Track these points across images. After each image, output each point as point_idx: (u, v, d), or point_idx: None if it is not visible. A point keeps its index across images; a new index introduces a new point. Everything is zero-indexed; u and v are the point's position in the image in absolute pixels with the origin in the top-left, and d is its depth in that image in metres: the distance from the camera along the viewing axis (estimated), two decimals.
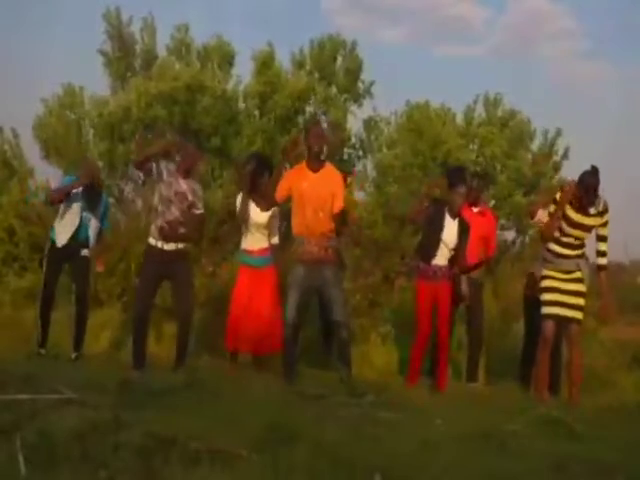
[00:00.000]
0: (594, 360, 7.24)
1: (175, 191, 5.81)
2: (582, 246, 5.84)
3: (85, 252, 6.53)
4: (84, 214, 6.49)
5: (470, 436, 3.64)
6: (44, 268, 6.56)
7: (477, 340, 6.74)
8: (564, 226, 5.74)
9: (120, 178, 12.65)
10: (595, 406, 5.52)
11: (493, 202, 13.23)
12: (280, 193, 5.68)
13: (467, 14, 37.82)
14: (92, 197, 6.54)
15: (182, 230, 5.82)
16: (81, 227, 6.49)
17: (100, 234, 6.71)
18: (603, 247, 5.80)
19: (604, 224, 5.74)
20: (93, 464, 2.79)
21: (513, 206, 12.58)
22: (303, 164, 5.75)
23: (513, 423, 4.00)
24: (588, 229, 5.75)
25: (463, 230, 6.07)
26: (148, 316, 5.91)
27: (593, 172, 5.65)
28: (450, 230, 6.04)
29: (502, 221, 12.40)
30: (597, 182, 5.63)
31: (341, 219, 5.60)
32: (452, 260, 6.09)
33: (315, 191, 5.55)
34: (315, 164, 5.67)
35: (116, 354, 6.94)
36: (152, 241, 5.86)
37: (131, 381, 4.23)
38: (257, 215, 6.11)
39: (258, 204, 6.10)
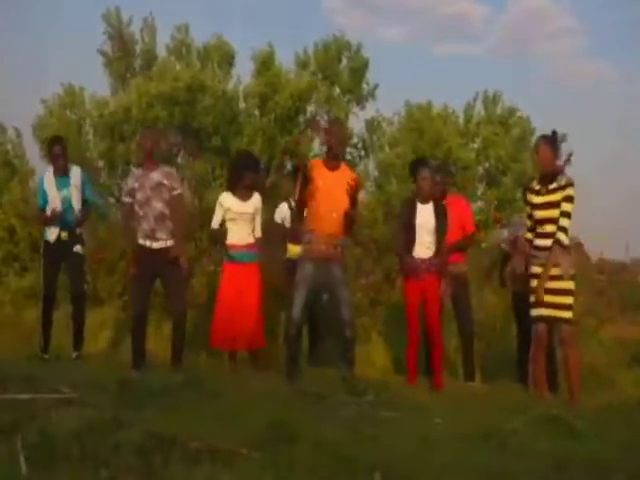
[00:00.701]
0: (594, 358, 7.24)
1: (150, 187, 5.83)
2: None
3: (78, 249, 6.51)
4: (60, 193, 6.42)
5: (470, 435, 3.64)
6: (42, 269, 6.57)
7: (468, 337, 6.69)
8: (533, 213, 5.62)
9: (120, 177, 12.67)
10: (595, 404, 5.50)
11: (496, 203, 13.28)
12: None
13: (467, 12, 37.83)
14: (61, 168, 6.47)
15: (169, 224, 5.85)
16: (65, 211, 6.43)
17: (85, 207, 6.60)
18: (563, 222, 5.48)
19: (566, 198, 5.47)
20: (94, 463, 2.80)
21: (517, 209, 12.59)
22: (320, 161, 5.74)
23: (513, 422, 4.00)
24: (554, 205, 5.51)
25: (439, 212, 6.02)
26: (145, 315, 5.94)
27: (551, 139, 5.58)
28: (423, 214, 5.99)
29: (505, 222, 12.42)
30: (552, 150, 5.54)
31: (352, 220, 5.58)
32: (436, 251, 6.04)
33: (329, 191, 5.51)
34: (332, 163, 5.65)
35: (116, 353, 6.94)
36: (141, 241, 5.88)
37: (131, 380, 4.23)
38: (240, 206, 6.17)
39: (240, 196, 6.18)
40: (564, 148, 12.26)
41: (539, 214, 5.60)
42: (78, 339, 6.52)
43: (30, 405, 3.45)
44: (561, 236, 5.49)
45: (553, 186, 5.53)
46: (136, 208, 5.87)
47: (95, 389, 3.92)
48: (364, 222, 9.73)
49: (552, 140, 5.62)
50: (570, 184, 5.49)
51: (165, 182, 5.86)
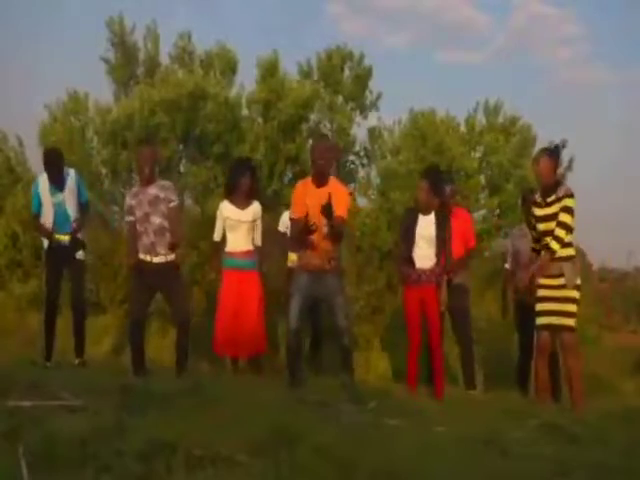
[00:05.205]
0: (596, 366, 7.23)
1: (148, 201, 5.82)
2: (566, 245, 5.51)
3: (80, 255, 6.52)
4: (53, 199, 6.40)
5: (471, 442, 3.64)
6: (44, 276, 6.58)
7: (467, 347, 6.66)
8: (536, 225, 5.60)
9: (123, 185, 12.70)
10: (597, 411, 5.50)
11: (498, 211, 13.27)
12: (297, 212, 5.61)
13: (469, 20, 37.81)
14: (56, 179, 6.41)
15: (169, 237, 5.83)
16: (57, 214, 6.42)
17: (82, 210, 6.59)
18: (559, 233, 5.39)
19: (564, 209, 5.40)
20: (96, 469, 2.80)
21: (519, 215, 12.55)
22: (308, 179, 5.72)
23: (515, 429, 4.00)
24: (552, 218, 5.46)
25: (441, 222, 5.94)
26: (143, 322, 5.95)
27: (552, 152, 5.55)
28: (424, 223, 5.93)
29: (507, 229, 12.42)
30: (553, 163, 5.50)
31: (337, 232, 5.47)
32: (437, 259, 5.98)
33: (318, 208, 5.40)
34: (319, 180, 5.61)
35: (118, 359, 6.95)
36: (141, 256, 5.87)
37: (132, 386, 4.23)
38: (238, 214, 6.20)
39: (238, 204, 6.22)
40: (565, 154, 12.27)
41: (540, 227, 5.59)
42: (79, 346, 6.52)
43: (32, 411, 3.46)
44: (553, 245, 5.42)
45: (551, 198, 5.49)
46: (137, 225, 5.86)
47: (97, 395, 3.92)
48: (367, 229, 9.73)
49: (553, 153, 5.59)
50: (568, 195, 5.43)
51: (162, 195, 5.83)
